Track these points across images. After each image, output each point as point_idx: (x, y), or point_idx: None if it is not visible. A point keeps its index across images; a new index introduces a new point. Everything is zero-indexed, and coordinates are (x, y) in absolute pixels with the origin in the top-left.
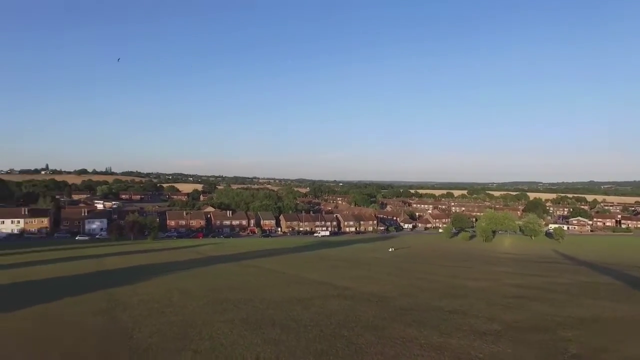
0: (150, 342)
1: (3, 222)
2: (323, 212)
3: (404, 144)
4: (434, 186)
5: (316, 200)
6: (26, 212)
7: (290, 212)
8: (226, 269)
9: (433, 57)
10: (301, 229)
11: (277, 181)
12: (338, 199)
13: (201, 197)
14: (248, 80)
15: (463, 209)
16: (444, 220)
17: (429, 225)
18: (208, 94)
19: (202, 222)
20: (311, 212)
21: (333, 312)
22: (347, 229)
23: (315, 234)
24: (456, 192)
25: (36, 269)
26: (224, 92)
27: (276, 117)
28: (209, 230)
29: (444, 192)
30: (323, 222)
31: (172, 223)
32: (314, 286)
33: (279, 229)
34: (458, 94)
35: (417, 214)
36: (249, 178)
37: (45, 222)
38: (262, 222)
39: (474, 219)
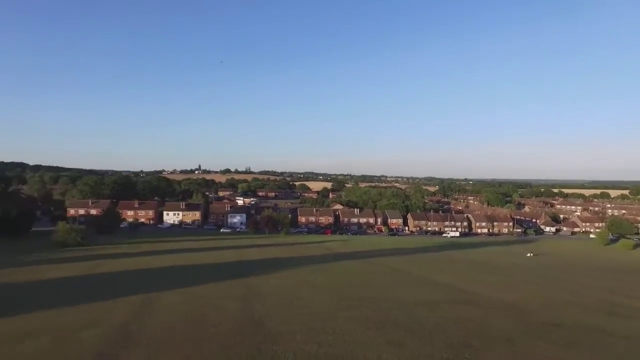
0: (279, 330)
1: (167, 214)
2: (453, 212)
3: (545, 137)
4: (583, 185)
5: (445, 199)
6: (184, 206)
7: (418, 211)
8: (353, 266)
9: None
10: (429, 228)
11: (405, 179)
12: (469, 198)
13: (330, 195)
14: (382, 79)
15: (623, 212)
16: (596, 224)
17: (576, 230)
18: (340, 97)
19: (331, 219)
20: (440, 212)
21: (461, 318)
22: (479, 231)
23: (444, 235)
24: (613, 192)
25: (190, 255)
26: (362, 93)
27: (403, 115)
28: (337, 227)
29: (597, 191)
30: (453, 222)
31: (303, 219)
32: (441, 289)
33: (406, 228)
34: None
35: (561, 216)
36: (376, 176)
37: (197, 215)
38: (389, 221)
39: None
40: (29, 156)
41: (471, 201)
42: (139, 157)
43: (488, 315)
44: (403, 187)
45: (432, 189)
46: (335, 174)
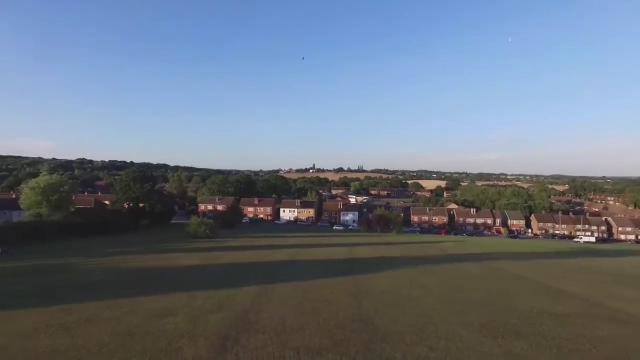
0: (388, 330)
1: (284, 211)
2: (587, 214)
3: None
4: None
5: (577, 200)
6: (299, 204)
7: (543, 212)
8: (467, 268)
9: None
10: (557, 231)
11: (527, 177)
12: (608, 198)
13: (444, 194)
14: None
15: None
16: None
17: None
18: (461, 90)
19: (445, 219)
20: (570, 213)
21: (599, 338)
22: (622, 237)
23: (576, 239)
24: None
25: (304, 251)
26: (473, 83)
27: (522, 106)
28: (451, 227)
29: None
30: (587, 226)
31: (416, 218)
32: (571, 301)
33: (529, 231)
34: None
35: None
36: (495, 174)
37: (311, 212)
38: (509, 222)
39: None
40: (170, 158)
41: (611, 202)
42: (259, 157)
43: (638, 337)
44: (525, 185)
45: (560, 188)
46: (449, 172)
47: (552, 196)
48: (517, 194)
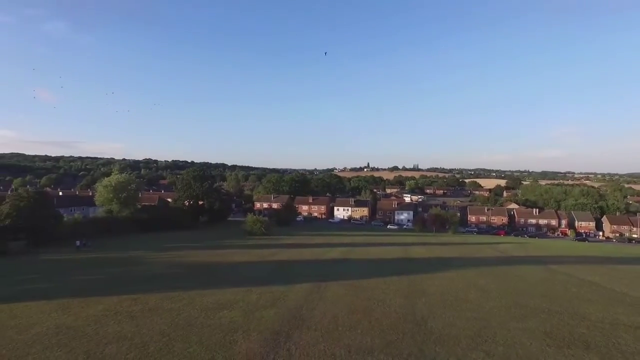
0: (443, 333)
1: (338, 209)
2: None
3: None
4: None
5: None
6: (353, 203)
7: (617, 213)
8: (530, 272)
9: None
10: (634, 235)
11: (599, 176)
12: None
13: (504, 193)
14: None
15: None
16: None
17: None
18: (520, 83)
19: (504, 219)
20: None
21: None
22: None
23: None
24: None
25: (358, 249)
26: (535, 72)
27: (594, 101)
28: (512, 228)
29: None
30: None
31: (473, 218)
32: None
33: (600, 233)
34: None
35: None
36: (560, 173)
37: (365, 211)
38: (576, 224)
39: None
40: (228, 157)
41: None
42: (314, 156)
43: None
44: (596, 184)
45: (639, 187)
46: (510, 171)
47: (628, 196)
48: (587, 194)
